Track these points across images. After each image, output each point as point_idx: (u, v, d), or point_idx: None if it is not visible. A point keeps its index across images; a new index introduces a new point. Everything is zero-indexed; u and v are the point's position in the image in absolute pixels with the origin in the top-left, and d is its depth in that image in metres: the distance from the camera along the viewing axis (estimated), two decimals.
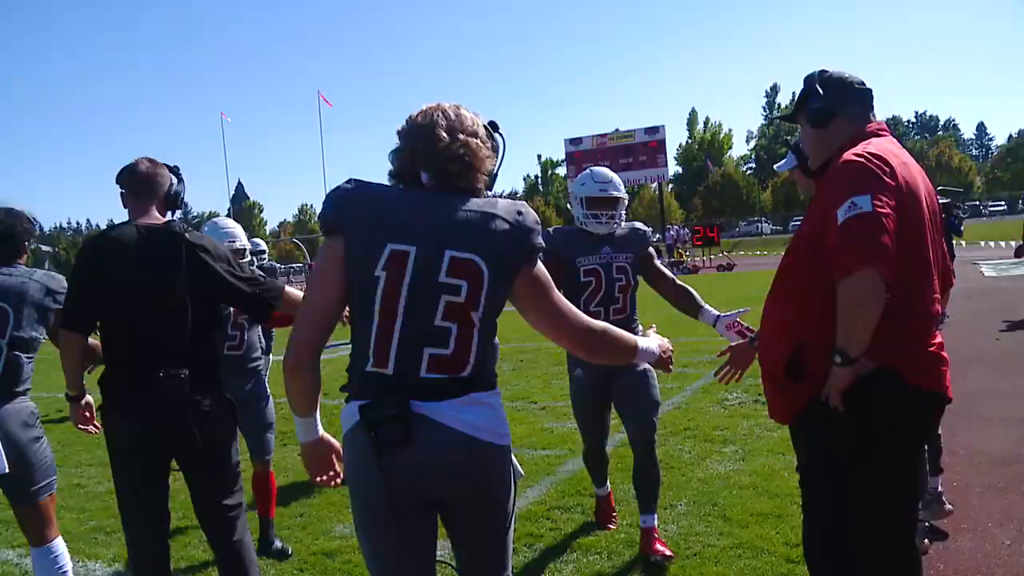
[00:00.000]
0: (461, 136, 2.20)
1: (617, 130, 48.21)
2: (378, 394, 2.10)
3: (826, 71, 2.68)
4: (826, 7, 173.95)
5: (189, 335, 3.03)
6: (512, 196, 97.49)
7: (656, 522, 4.15)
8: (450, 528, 2.26)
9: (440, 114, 2.22)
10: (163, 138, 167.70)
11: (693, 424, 6.74)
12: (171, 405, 2.98)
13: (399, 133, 2.26)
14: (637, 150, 46.00)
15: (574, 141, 48.97)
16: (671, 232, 41.91)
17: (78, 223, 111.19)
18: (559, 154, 68.71)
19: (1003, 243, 32.97)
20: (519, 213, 2.21)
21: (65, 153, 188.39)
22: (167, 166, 3.32)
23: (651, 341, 2.54)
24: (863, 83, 2.67)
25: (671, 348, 2.62)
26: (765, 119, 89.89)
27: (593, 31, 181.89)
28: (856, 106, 2.63)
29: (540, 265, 2.24)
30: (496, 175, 2.34)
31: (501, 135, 2.36)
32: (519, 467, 2.31)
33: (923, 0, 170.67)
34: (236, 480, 3.21)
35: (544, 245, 2.26)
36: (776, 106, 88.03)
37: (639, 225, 4.44)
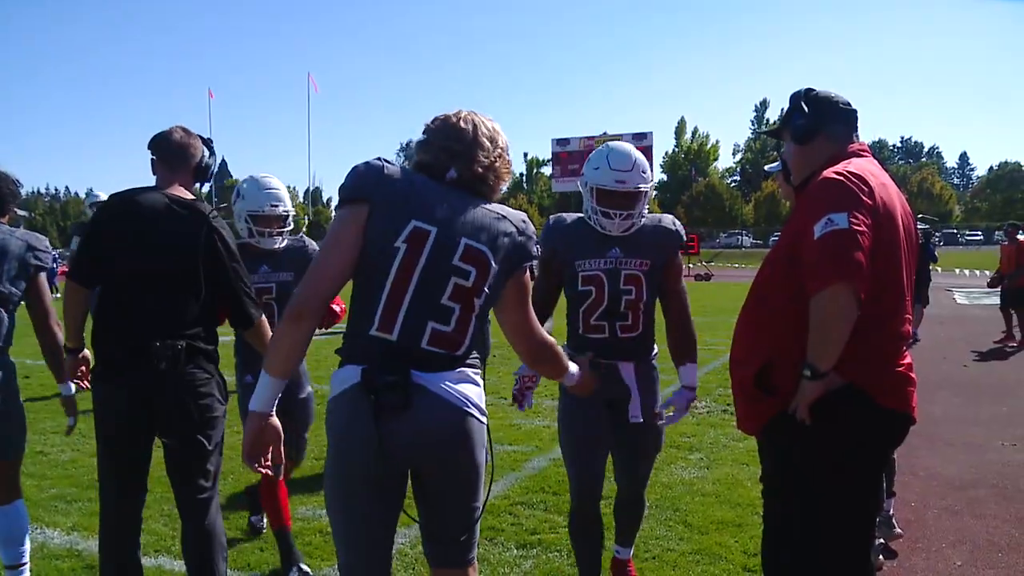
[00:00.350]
0: (497, 150, 2.39)
1: (605, 133, 48.47)
2: (380, 359, 2.19)
3: (813, 89, 2.71)
4: (822, 29, 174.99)
5: (192, 311, 3.04)
6: None
7: (631, 555, 3.79)
8: (426, 499, 2.35)
9: (482, 123, 2.37)
10: (147, 110, 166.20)
11: None
12: (163, 377, 2.97)
13: (431, 130, 2.37)
14: None
15: (561, 141, 49.13)
16: None
17: (56, 189, 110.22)
18: (545, 153, 68.74)
19: (977, 272, 33.38)
20: (524, 222, 2.41)
21: (47, 120, 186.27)
22: (201, 137, 3.31)
23: (575, 366, 2.78)
24: (848, 103, 2.70)
25: (593, 385, 2.92)
26: (753, 133, 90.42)
27: (588, 34, 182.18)
28: (840, 125, 2.67)
29: (528, 274, 2.43)
30: None
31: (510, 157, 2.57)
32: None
33: (916, 28, 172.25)
34: (216, 462, 3.19)
35: (537, 256, 2.45)
36: (765, 121, 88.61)
37: (668, 221, 3.46)
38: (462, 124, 2.35)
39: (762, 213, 69.56)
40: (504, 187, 2.45)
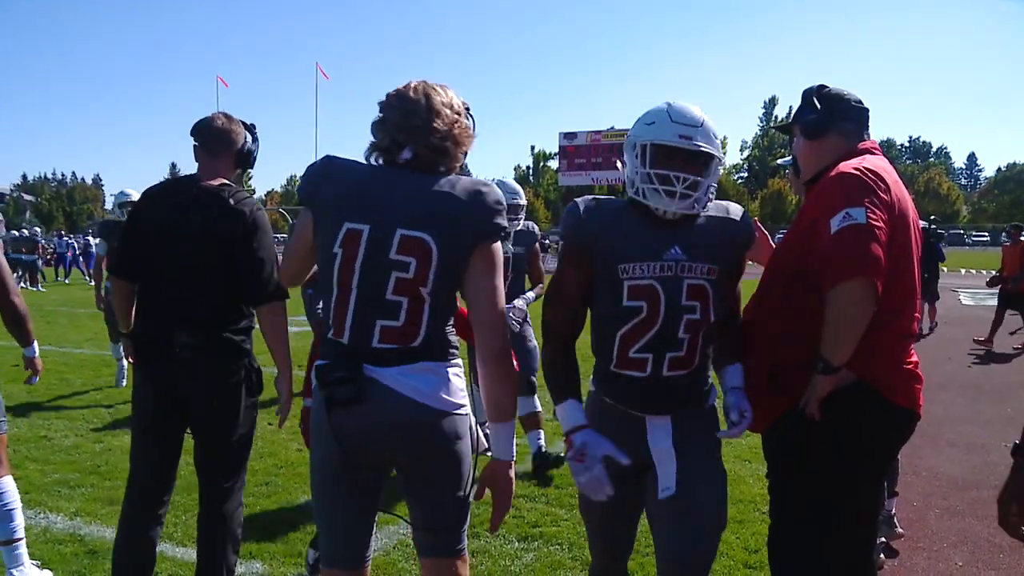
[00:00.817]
0: (454, 115, 2.30)
1: (613, 128, 48.25)
2: (335, 358, 2.24)
3: (825, 86, 2.70)
4: (832, 27, 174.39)
5: (217, 301, 3.04)
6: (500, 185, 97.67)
7: None
8: (408, 489, 2.38)
9: (433, 90, 2.30)
10: (157, 97, 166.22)
11: None
12: (186, 366, 2.99)
13: (385, 106, 2.32)
14: None
15: (568, 135, 48.98)
16: None
17: (63, 175, 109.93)
18: (552, 146, 68.63)
19: (984, 271, 33.29)
20: (479, 193, 2.25)
21: (54, 105, 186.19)
22: (243, 123, 3.29)
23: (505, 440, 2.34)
24: (860, 101, 2.69)
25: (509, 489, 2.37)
26: (761, 130, 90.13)
27: (596, 28, 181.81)
28: (851, 123, 2.65)
29: (496, 247, 2.27)
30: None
31: (472, 117, 2.42)
32: (484, 441, 2.39)
33: (928, 28, 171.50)
34: (239, 455, 3.19)
35: (505, 227, 2.27)
36: (773, 118, 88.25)
37: (736, 211, 2.58)
38: (413, 95, 2.28)
39: (768, 210, 69.42)
40: (465, 152, 2.36)
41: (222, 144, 3.20)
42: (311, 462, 2.40)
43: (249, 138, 3.29)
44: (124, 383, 8.22)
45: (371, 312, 2.21)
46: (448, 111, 2.29)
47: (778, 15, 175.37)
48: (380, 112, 2.32)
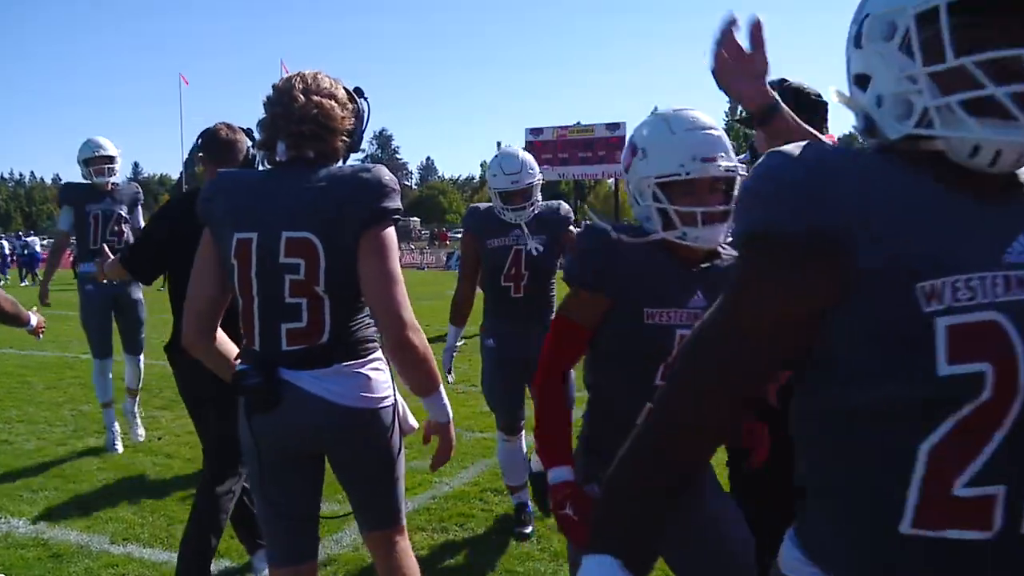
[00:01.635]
0: (315, 97, 2.25)
1: (578, 123, 48.29)
2: (250, 365, 2.28)
3: (785, 80, 2.73)
4: (795, 23, 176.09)
5: None
6: (468, 181, 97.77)
7: None
8: (340, 479, 2.46)
9: (298, 79, 2.30)
10: (118, 96, 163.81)
11: None
12: (183, 360, 3.04)
13: (264, 103, 2.33)
14: (597, 144, 46.09)
15: (534, 131, 48.89)
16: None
17: (20, 175, 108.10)
18: (519, 142, 68.66)
19: None
20: (360, 178, 2.20)
21: (12, 104, 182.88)
22: (245, 131, 3.39)
23: (434, 409, 2.37)
24: (820, 95, 2.73)
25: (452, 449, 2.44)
26: (727, 125, 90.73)
27: (562, 24, 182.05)
28: (809, 116, 2.69)
29: (388, 232, 2.21)
30: (360, 138, 2.40)
31: (366, 100, 2.42)
32: (412, 421, 2.48)
33: None
34: (230, 455, 3.10)
35: (393, 208, 2.20)
36: (739, 113, 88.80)
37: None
38: (281, 85, 2.30)
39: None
40: (342, 133, 2.30)
41: (228, 154, 3.31)
42: (245, 464, 2.47)
43: (251, 144, 3.40)
44: (119, 447, 5.78)
45: (274, 317, 2.25)
46: (313, 96, 2.24)
47: (740, 11, 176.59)
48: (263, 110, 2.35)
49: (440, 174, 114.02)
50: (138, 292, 5.98)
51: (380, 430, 2.34)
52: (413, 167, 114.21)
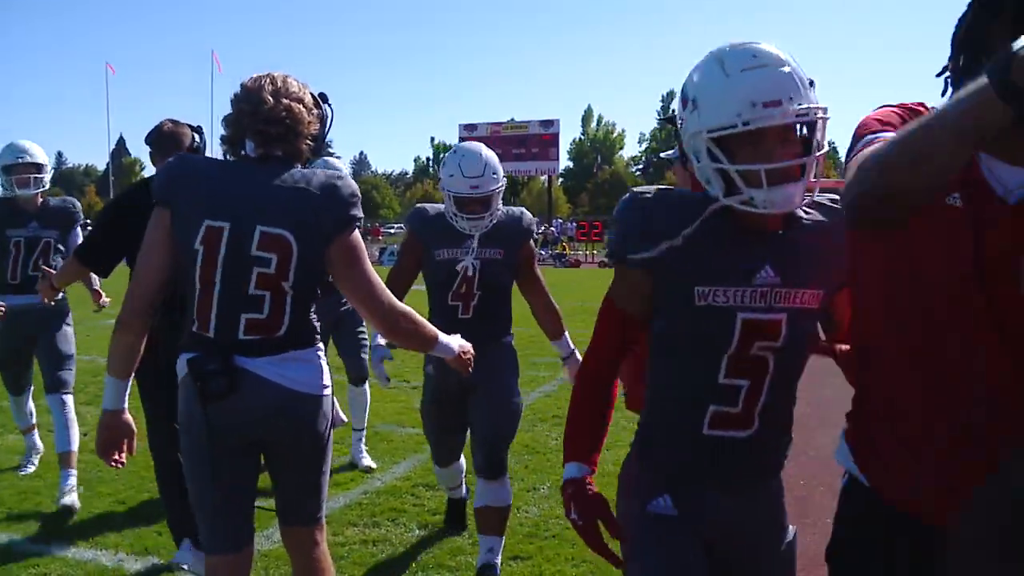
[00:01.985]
0: (284, 100, 2.34)
1: (512, 120, 48.53)
2: (204, 350, 2.32)
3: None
4: (733, 22, 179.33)
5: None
6: (401, 176, 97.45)
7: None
8: (271, 467, 2.53)
9: (268, 80, 2.37)
10: (41, 87, 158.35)
11: (561, 412, 6.85)
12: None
13: (231, 100, 2.39)
14: (530, 141, 46.44)
15: (468, 127, 49.05)
16: (557, 224, 42.54)
17: None
18: (453, 138, 68.59)
19: None
20: (334, 186, 2.34)
21: None
22: (189, 126, 3.68)
23: (453, 339, 2.68)
24: None
25: (471, 351, 2.74)
26: (659, 124, 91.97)
27: (496, 20, 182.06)
28: None
29: (356, 235, 2.39)
30: (323, 142, 2.51)
31: (330, 106, 2.54)
32: (341, 415, 2.55)
33: (822, 41, 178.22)
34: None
35: (360, 217, 2.39)
36: (670, 111, 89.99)
37: None
38: (250, 85, 2.37)
39: None
40: (308, 136, 2.40)
41: (172, 144, 3.53)
42: (183, 445, 2.44)
43: (197, 137, 3.68)
44: (32, 468, 5.27)
45: (235, 306, 2.30)
46: (282, 99, 2.33)
47: (673, 9, 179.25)
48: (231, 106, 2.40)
49: (373, 169, 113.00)
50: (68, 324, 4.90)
51: (322, 416, 2.44)
52: (346, 161, 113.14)
